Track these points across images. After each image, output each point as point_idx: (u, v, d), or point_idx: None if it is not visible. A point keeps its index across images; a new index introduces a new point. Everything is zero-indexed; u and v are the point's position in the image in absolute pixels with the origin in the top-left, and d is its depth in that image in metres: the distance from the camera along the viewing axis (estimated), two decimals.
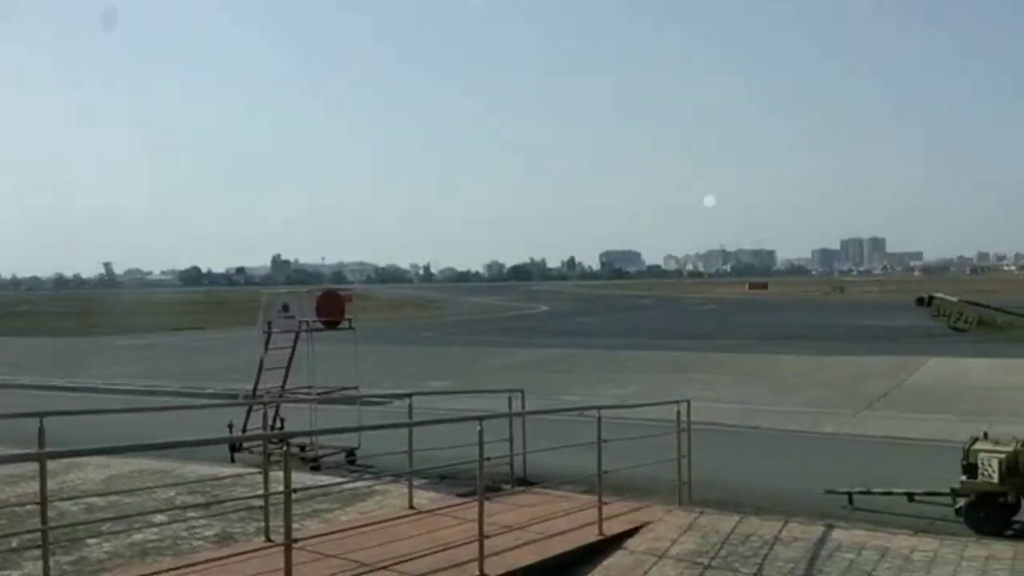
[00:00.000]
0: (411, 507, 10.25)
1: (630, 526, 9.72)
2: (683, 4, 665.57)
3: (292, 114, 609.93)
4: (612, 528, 9.50)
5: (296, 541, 6.88)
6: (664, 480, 10.96)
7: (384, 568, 7.77)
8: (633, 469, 10.64)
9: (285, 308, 15.12)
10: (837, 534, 9.41)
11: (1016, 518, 9.83)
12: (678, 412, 10.97)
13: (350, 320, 15.39)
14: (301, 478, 10.14)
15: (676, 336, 42.08)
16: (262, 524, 8.80)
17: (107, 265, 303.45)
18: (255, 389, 15.06)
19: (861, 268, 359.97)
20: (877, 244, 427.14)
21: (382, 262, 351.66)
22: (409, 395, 12.06)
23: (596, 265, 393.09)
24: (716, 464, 12.32)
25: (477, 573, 7.65)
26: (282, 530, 6.83)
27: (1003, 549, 8.84)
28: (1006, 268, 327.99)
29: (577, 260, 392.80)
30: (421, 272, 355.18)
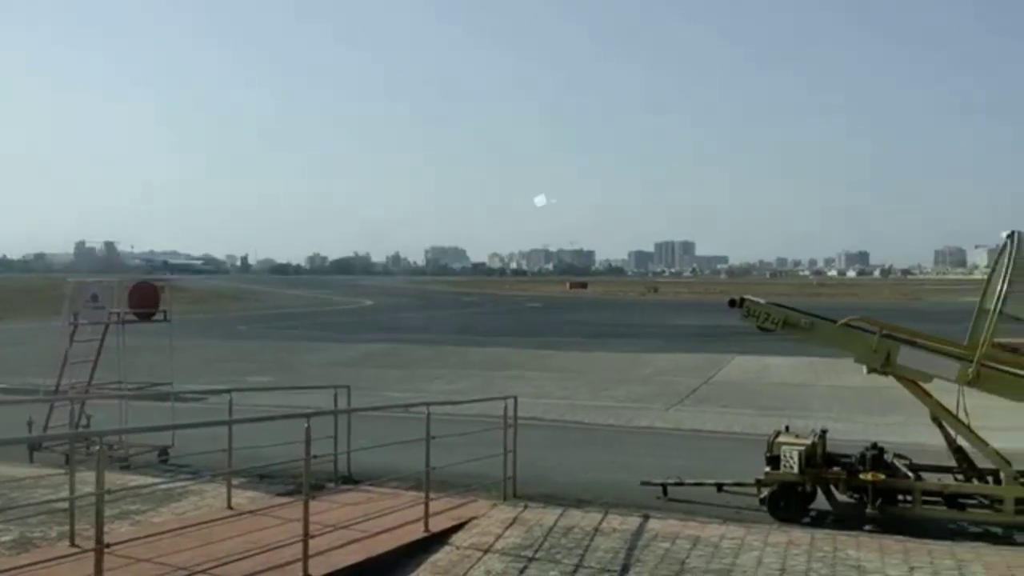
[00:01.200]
0: (230, 507, 9.88)
1: (456, 522, 9.76)
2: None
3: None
4: (438, 524, 9.50)
5: (107, 546, 6.46)
6: (490, 475, 11.08)
7: (202, 572, 7.44)
8: (460, 465, 10.69)
9: (94, 298, 14.19)
10: (653, 524, 9.81)
11: (812, 506, 10.58)
12: (504, 408, 11.11)
13: (165, 312, 14.64)
14: (110, 478, 9.54)
15: (502, 333, 42.69)
16: (66, 528, 8.23)
17: None
18: (58, 384, 14.05)
19: (672, 270, 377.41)
20: (687, 248, 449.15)
21: (196, 252, 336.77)
22: (228, 391, 11.60)
23: (421, 261, 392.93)
24: (540, 459, 12.57)
25: (301, 574, 7.45)
26: (88, 534, 6.41)
27: (801, 535, 9.49)
28: (801, 273, 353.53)
29: (402, 256, 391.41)
30: (239, 263, 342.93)
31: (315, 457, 8.37)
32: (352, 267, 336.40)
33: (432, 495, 9.70)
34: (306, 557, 7.54)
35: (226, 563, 7.70)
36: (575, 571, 8.39)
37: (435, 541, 9.19)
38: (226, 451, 10.05)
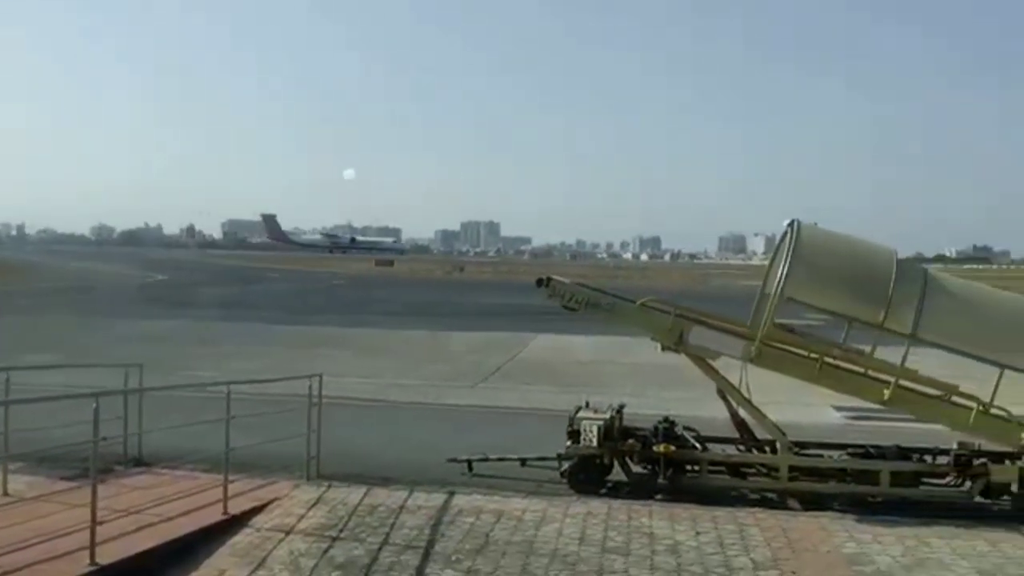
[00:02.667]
0: (6, 494, 9.16)
1: (257, 503, 9.52)
2: None
3: None
4: (238, 506, 9.23)
5: None
6: (293, 456, 10.84)
7: None
8: (261, 446, 10.38)
9: None
10: (458, 500, 9.96)
11: (609, 478, 11.07)
12: (309, 387, 10.89)
13: None
14: None
15: (307, 311, 41.72)
16: None
17: None
18: None
19: (478, 249, 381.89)
20: (493, 228, 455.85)
21: None
22: (5, 369, 10.68)
23: (218, 234, 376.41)
24: (345, 438, 12.42)
25: (88, 562, 7.02)
26: None
27: (599, 506, 9.93)
28: (599, 256, 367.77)
29: (198, 228, 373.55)
30: (13, 233, 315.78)
31: (104, 439, 7.88)
32: (142, 239, 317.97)
33: (232, 477, 9.39)
34: (93, 544, 7.12)
35: (3, 553, 7.14)
36: (380, 549, 8.39)
37: (235, 524, 8.93)
38: (1, 434, 9.27)
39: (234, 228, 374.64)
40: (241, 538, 8.66)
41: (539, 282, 11.37)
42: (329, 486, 10.43)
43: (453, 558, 8.20)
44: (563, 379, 20.12)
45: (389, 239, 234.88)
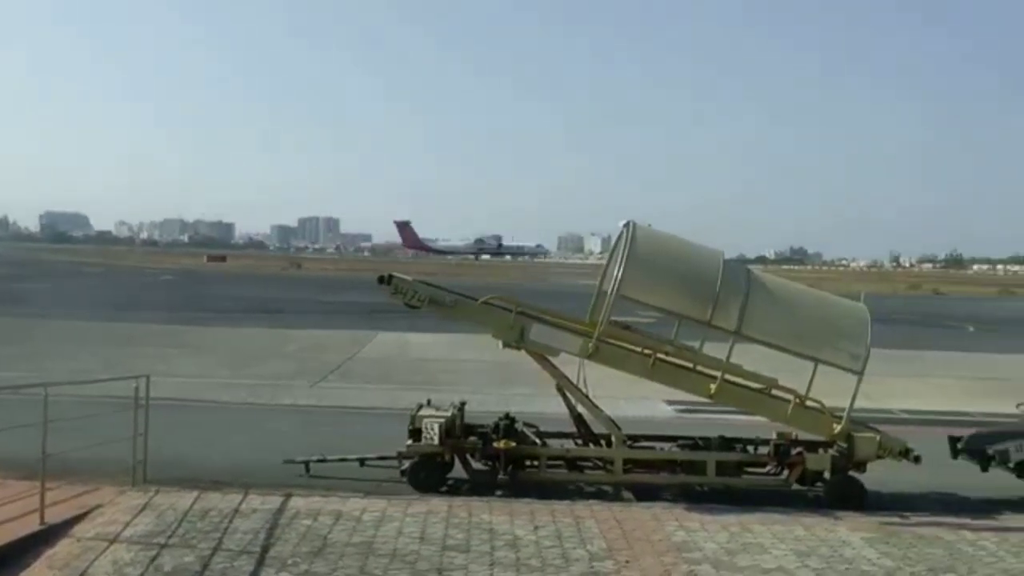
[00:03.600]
0: None
1: (79, 511, 9.00)
2: None
3: None
4: (57, 515, 8.70)
5: None
6: (118, 461, 10.28)
7: None
8: (83, 451, 9.79)
9: None
10: (295, 502, 9.73)
11: (450, 475, 11.09)
12: (136, 388, 10.37)
13: None
14: None
15: (134, 307, 39.60)
16: None
17: None
18: None
19: (316, 246, 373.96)
20: (332, 224, 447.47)
21: None
22: None
23: (35, 227, 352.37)
24: (175, 441, 11.89)
25: None
26: None
27: (440, 504, 9.94)
28: None
29: (11, 220, 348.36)
30: None
31: None
32: None
33: (50, 484, 8.84)
34: None
35: None
36: (212, 555, 8.09)
37: (53, 533, 8.41)
38: None
39: (53, 221, 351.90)
40: (60, 549, 8.14)
41: (381, 279, 11.27)
42: (157, 491, 9.96)
43: (289, 562, 8.00)
44: (405, 377, 20.05)
45: (531, 243, 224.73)
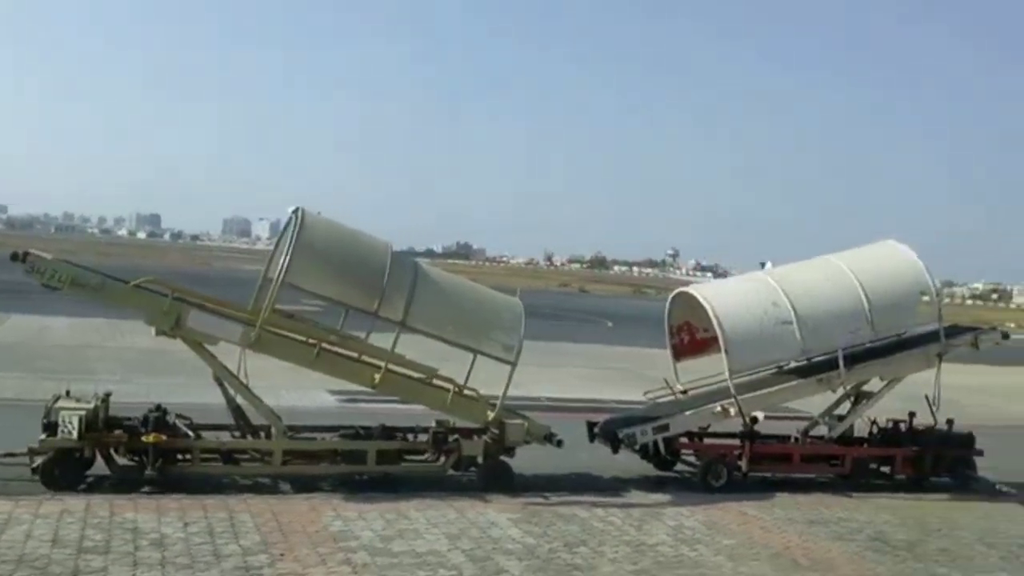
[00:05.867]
0: None
1: None
2: None
3: None
4: None
5: None
6: None
7: None
8: None
9: None
10: None
11: (90, 472, 10.23)
12: None
13: None
14: None
15: None
16: None
17: None
18: None
19: None
20: None
21: None
22: None
23: None
24: None
25: None
26: None
27: (76, 503, 9.15)
28: (89, 231, 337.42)
29: None
30: None
31: None
32: None
33: None
34: None
35: None
36: None
37: None
38: None
39: None
40: None
41: (15, 256, 10.15)
42: None
43: None
44: (40, 365, 18.14)
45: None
